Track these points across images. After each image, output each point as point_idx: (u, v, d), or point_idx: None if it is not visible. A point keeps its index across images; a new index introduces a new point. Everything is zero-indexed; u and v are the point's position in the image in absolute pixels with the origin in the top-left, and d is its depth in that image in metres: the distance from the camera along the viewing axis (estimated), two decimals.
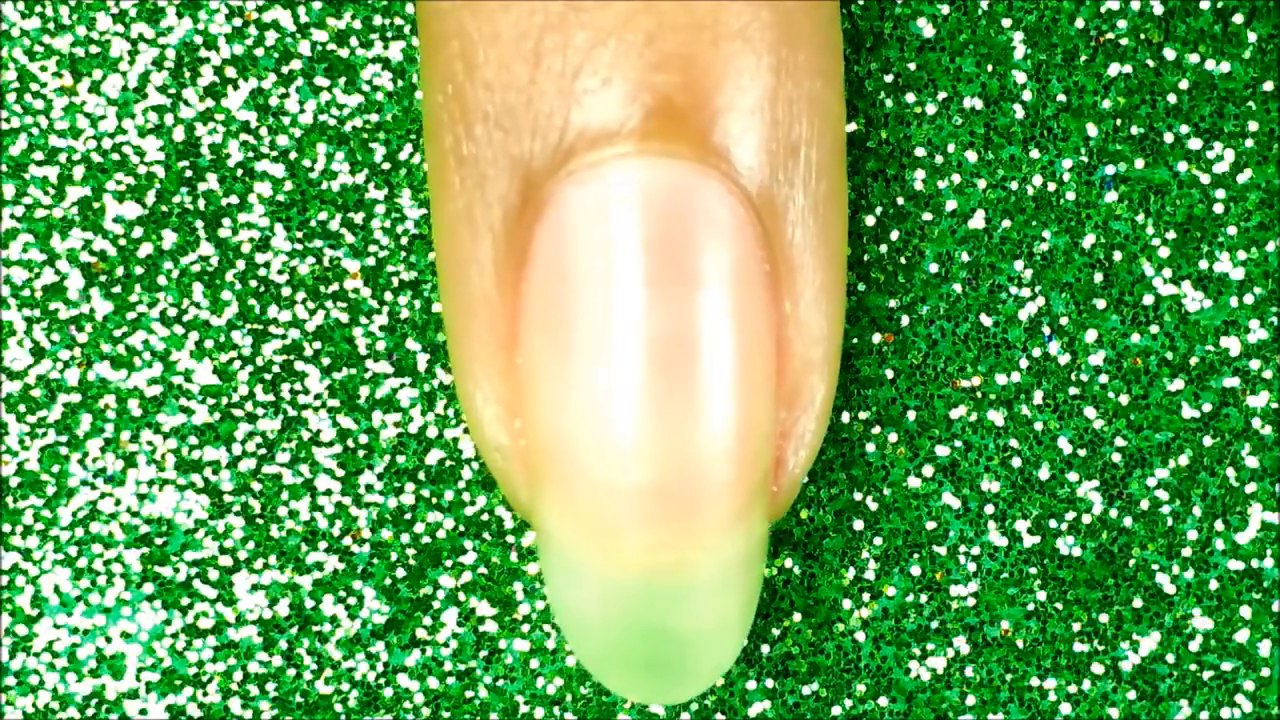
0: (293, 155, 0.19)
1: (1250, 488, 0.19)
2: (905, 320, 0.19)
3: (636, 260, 0.15)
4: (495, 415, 0.16)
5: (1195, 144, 0.19)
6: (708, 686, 0.17)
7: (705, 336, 0.16)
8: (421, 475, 0.19)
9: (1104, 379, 0.19)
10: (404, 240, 0.19)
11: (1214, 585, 0.19)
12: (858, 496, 0.19)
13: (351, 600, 0.19)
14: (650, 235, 0.15)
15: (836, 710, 0.19)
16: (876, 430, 0.19)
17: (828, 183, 0.17)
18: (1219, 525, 0.19)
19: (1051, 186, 0.19)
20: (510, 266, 0.16)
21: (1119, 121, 0.19)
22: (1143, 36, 0.19)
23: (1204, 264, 0.19)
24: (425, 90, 0.17)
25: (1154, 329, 0.19)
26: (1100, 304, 0.19)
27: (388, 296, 0.19)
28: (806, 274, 0.16)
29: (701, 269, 0.16)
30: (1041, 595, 0.19)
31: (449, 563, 0.19)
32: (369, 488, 0.19)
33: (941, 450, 0.19)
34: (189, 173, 0.19)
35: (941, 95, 0.19)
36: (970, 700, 0.19)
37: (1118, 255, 0.19)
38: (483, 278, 0.16)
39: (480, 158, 0.16)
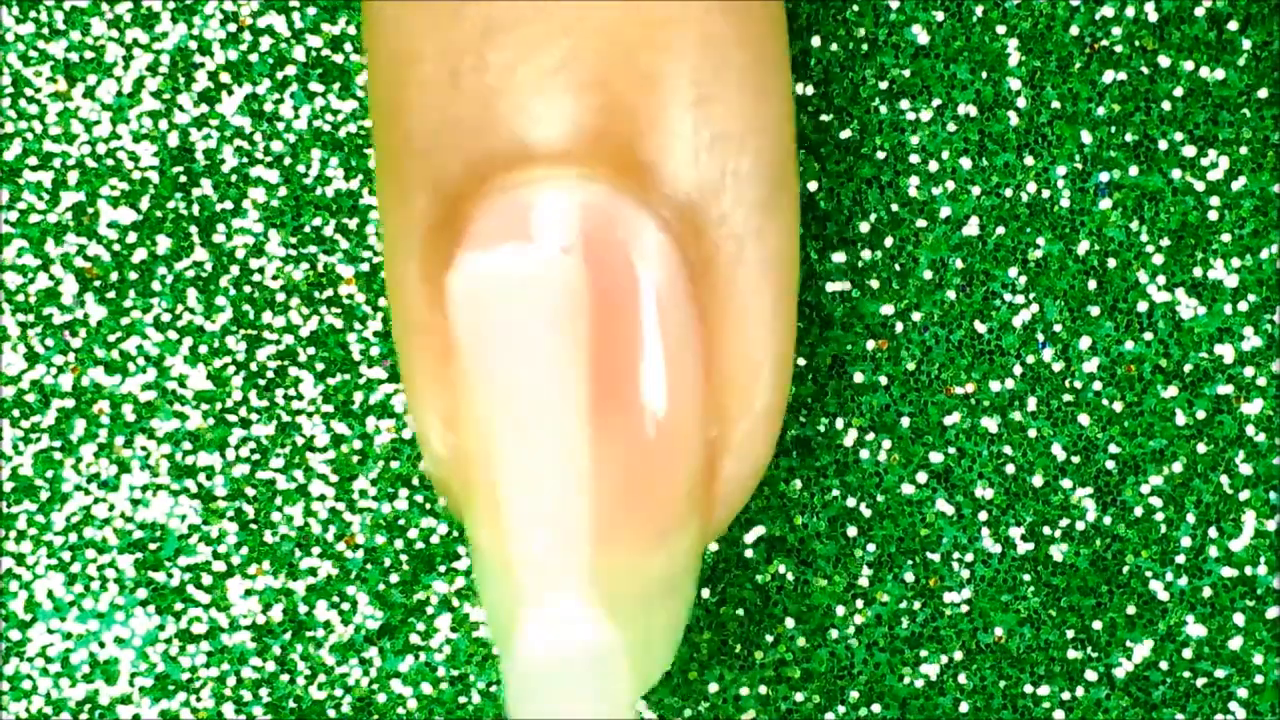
0: (287, 161, 0.19)
1: (1244, 495, 0.19)
2: (899, 327, 0.19)
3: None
4: (439, 430, 0.16)
5: (1189, 151, 0.19)
6: (635, 700, 0.17)
7: (618, 357, 0.15)
8: (415, 481, 0.19)
9: (1098, 386, 0.19)
10: None
11: (1208, 592, 0.19)
12: (851, 503, 0.19)
13: (345, 606, 0.19)
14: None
15: (830, 717, 0.19)
16: (870, 437, 0.19)
17: (766, 196, 0.16)
18: (1213, 532, 0.19)
19: (1046, 193, 0.19)
20: (438, 283, 0.16)
21: (1113, 128, 0.19)
22: (1137, 44, 0.19)
23: (1198, 271, 0.19)
24: (370, 106, 0.17)
25: (1148, 336, 0.19)
26: (1094, 311, 0.19)
27: (382, 302, 0.19)
28: (742, 289, 0.16)
29: (617, 290, 0.15)
30: (1035, 602, 0.19)
31: (443, 568, 0.19)
32: (363, 493, 0.19)
33: (935, 457, 0.19)
34: (183, 178, 0.19)
35: (936, 102, 0.19)
36: (964, 707, 0.19)
37: (1112, 262, 0.19)
38: (415, 295, 0.16)
39: (406, 178, 0.16)
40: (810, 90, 0.19)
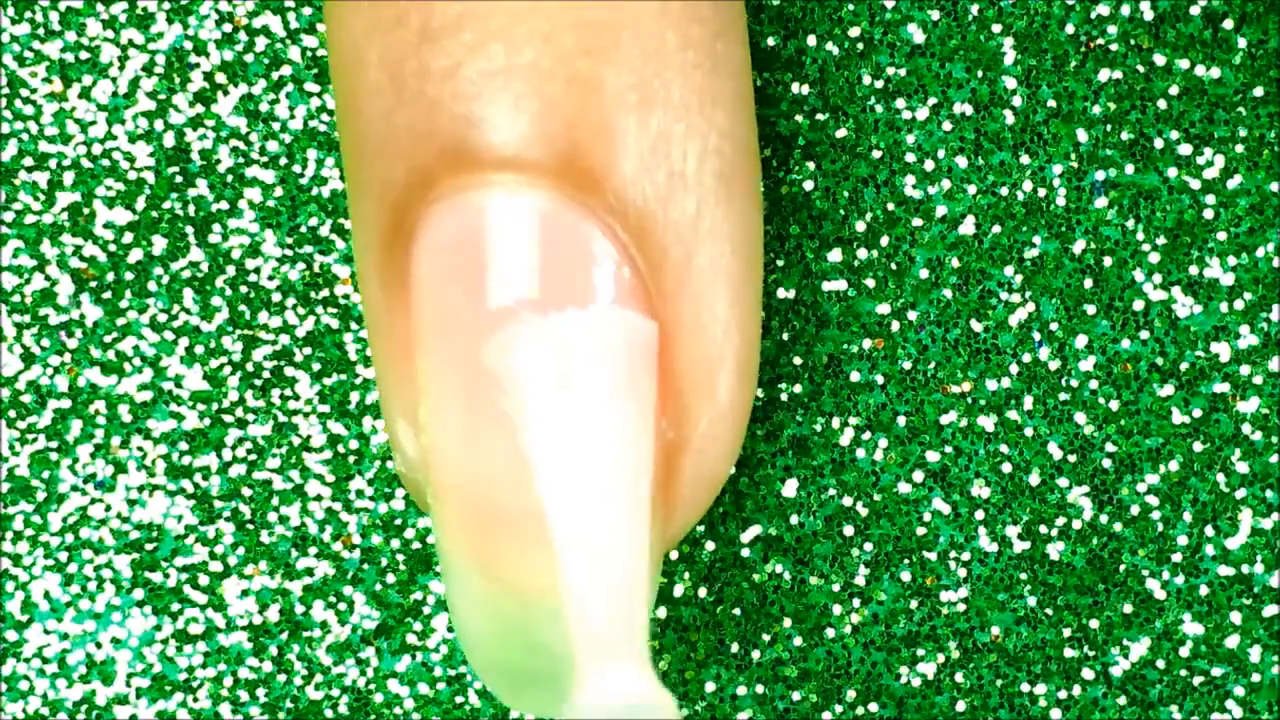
0: (283, 161, 0.19)
1: (1240, 493, 0.19)
2: (895, 326, 0.19)
3: (496, 287, 0.15)
4: (409, 431, 0.16)
5: (1185, 149, 0.19)
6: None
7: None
8: None
9: (1094, 384, 0.19)
10: None
11: (1204, 591, 0.19)
12: (848, 502, 0.19)
13: (342, 606, 0.19)
14: (508, 262, 0.15)
15: (826, 716, 0.19)
16: (867, 436, 0.19)
17: (717, 195, 0.16)
18: (1209, 531, 0.19)
19: (1042, 192, 0.19)
20: (394, 286, 0.16)
21: (1109, 127, 0.19)
22: (1133, 42, 0.19)
23: (1194, 269, 0.19)
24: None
25: (1144, 334, 0.19)
26: (1090, 309, 0.19)
27: None
28: (695, 289, 0.16)
29: (564, 293, 0.15)
30: (1032, 601, 0.19)
31: (439, 568, 0.19)
32: (359, 493, 0.19)
33: (932, 456, 0.19)
34: (179, 178, 0.19)
35: (932, 101, 0.19)
36: (960, 706, 0.19)
37: (1108, 261, 0.19)
38: (375, 295, 0.16)
39: (360, 181, 0.16)
40: (806, 89, 0.19)
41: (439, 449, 0.16)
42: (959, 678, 0.19)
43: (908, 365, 0.19)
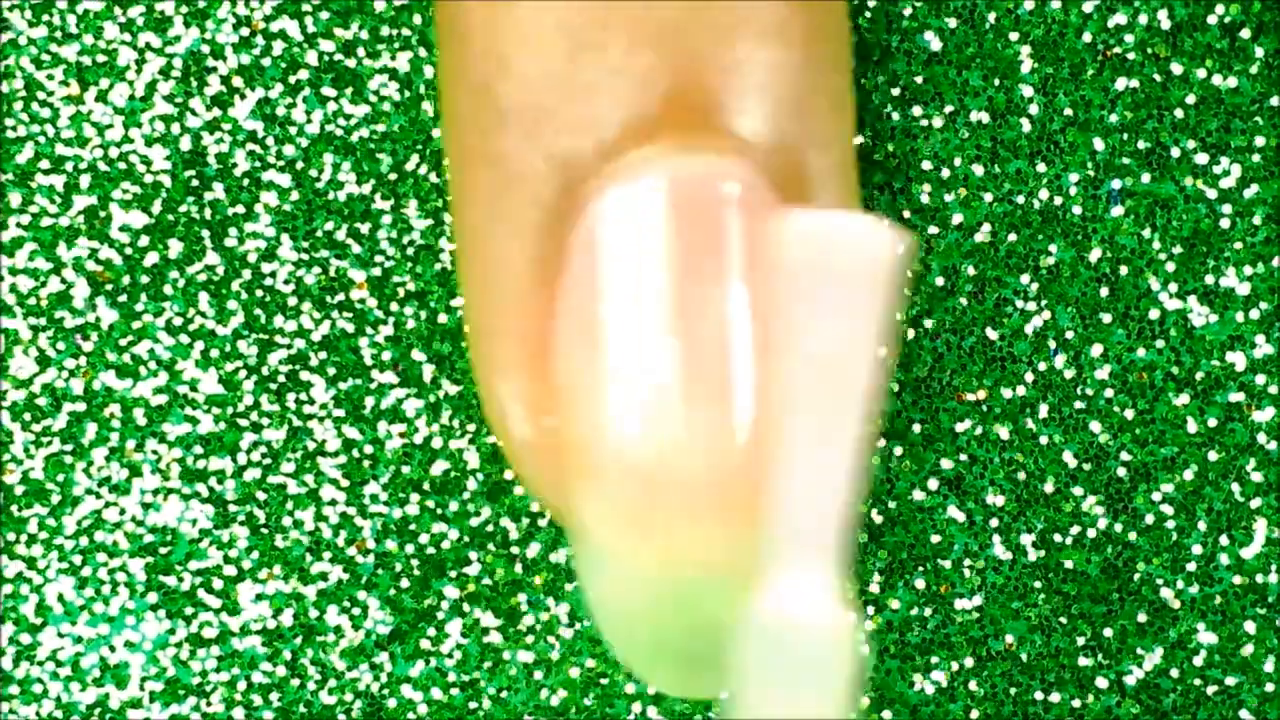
0: (299, 165, 0.19)
1: (1255, 503, 0.19)
2: (911, 333, 0.19)
3: (677, 257, 0.15)
4: (523, 413, 0.16)
5: (1202, 159, 0.19)
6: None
7: (744, 329, 0.16)
8: (426, 486, 0.19)
9: (1109, 393, 0.19)
10: (410, 251, 0.19)
11: (1218, 600, 0.19)
12: (862, 509, 0.19)
13: (356, 611, 0.19)
14: (690, 231, 0.15)
15: None
16: (881, 443, 0.19)
17: (845, 178, 0.17)
18: (1224, 540, 0.19)
19: (1058, 200, 0.19)
20: (547, 265, 0.16)
21: (1125, 136, 0.19)
22: (1150, 51, 0.19)
23: (1210, 279, 0.19)
24: (449, 89, 0.17)
25: (1159, 343, 0.19)
26: (1106, 318, 0.19)
27: (393, 307, 0.19)
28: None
29: (741, 262, 0.15)
30: (1046, 609, 0.19)
31: (453, 573, 0.19)
32: (374, 498, 0.19)
33: (946, 463, 0.19)
34: (195, 182, 0.19)
35: (948, 109, 0.19)
36: (974, 714, 0.19)
37: (1124, 269, 0.19)
38: (518, 277, 0.16)
39: (514, 156, 0.16)
40: None
41: (610, 425, 0.16)
42: (972, 686, 0.19)
43: (923, 373, 0.19)
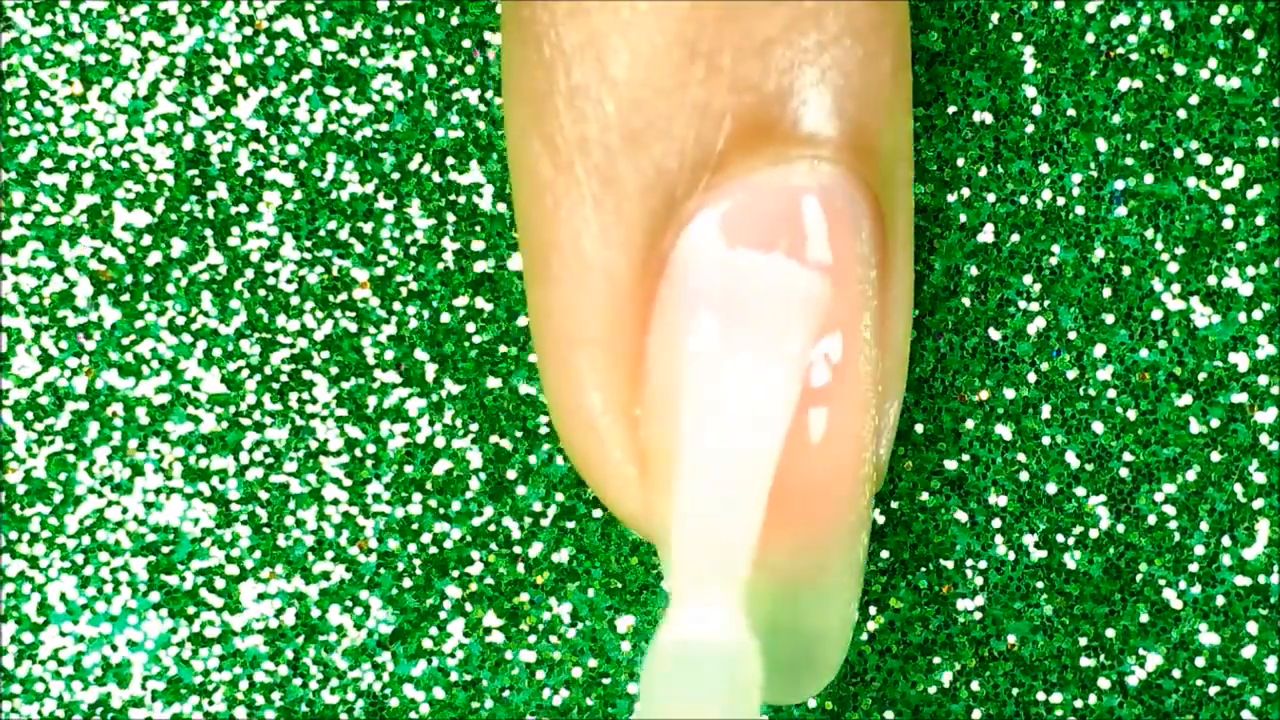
0: (302, 164, 0.19)
1: (1257, 503, 0.19)
2: (914, 333, 0.19)
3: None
4: (614, 421, 0.16)
5: (1205, 159, 0.19)
6: (831, 680, 0.17)
7: (844, 342, 0.16)
8: (429, 485, 0.19)
9: (1112, 394, 0.19)
10: (413, 250, 0.19)
11: (1221, 601, 0.19)
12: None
13: (358, 610, 0.19)
14: (796, 246, 0.15)
15: None
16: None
17: (910, 185, 0.17)
18: (1226, 540, 0.19)
19: (1061, 201, 0.19)
20: (644, 277, 0.16)
21: (1129, 136, 0.19)
22: (1153, 52, 0.19)
23: (1213, 279, 0.19)
24: (524, 97, 0.16)
25: (1162, 344, 0.19)
26: (1109, 319, 0.19)
27: (396, 306, 0.19)
28: (899, 272, 0.17)
29: (844, 277, 0.16)
30: (1048, 609, 0.19)
31: (456, 573, 0.19)
32: (376, 497, 0.19)
33: (949, 464, 0.19)
34: (198, 181, 0.19)
35: (951, 109, 0.19)
36: (976, 714, 0.19)
37: (1126, 270, 0.19)
38: (613, 290, 0.16)
39: (611, 169, 0.16)
40: None
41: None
42: (975, 686, 0.19)
43: (926, 373, 0.19)
